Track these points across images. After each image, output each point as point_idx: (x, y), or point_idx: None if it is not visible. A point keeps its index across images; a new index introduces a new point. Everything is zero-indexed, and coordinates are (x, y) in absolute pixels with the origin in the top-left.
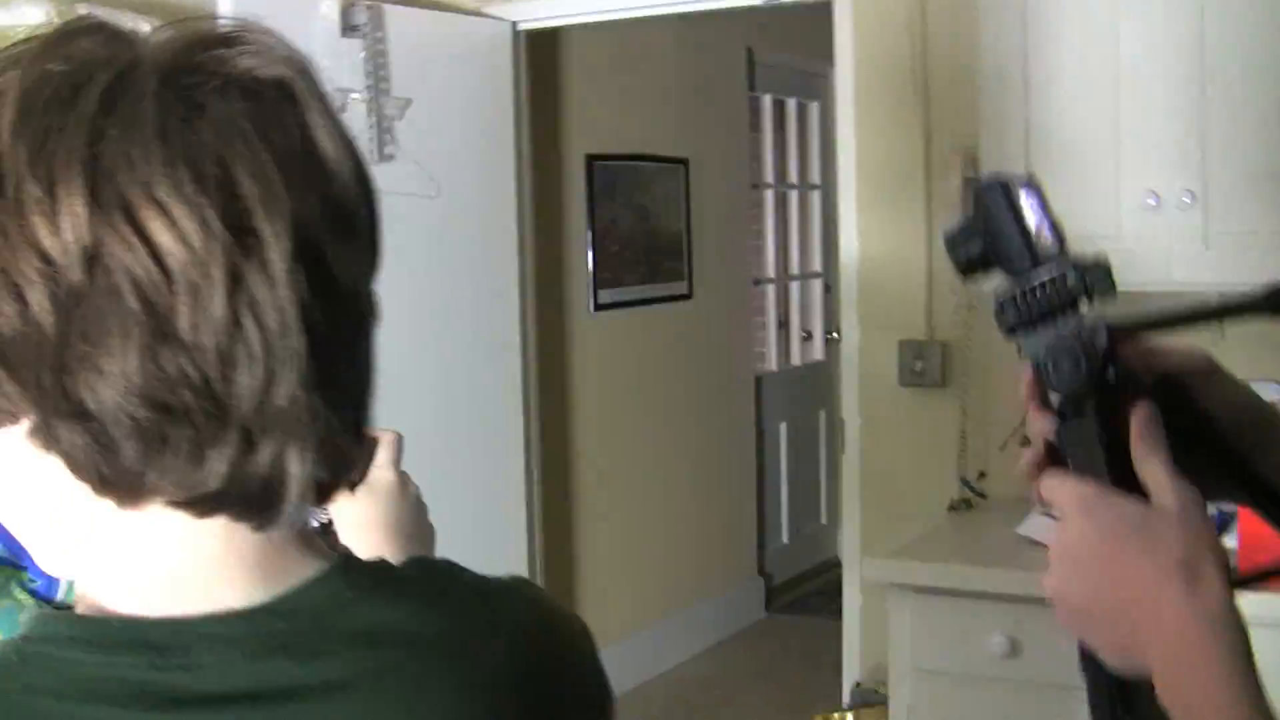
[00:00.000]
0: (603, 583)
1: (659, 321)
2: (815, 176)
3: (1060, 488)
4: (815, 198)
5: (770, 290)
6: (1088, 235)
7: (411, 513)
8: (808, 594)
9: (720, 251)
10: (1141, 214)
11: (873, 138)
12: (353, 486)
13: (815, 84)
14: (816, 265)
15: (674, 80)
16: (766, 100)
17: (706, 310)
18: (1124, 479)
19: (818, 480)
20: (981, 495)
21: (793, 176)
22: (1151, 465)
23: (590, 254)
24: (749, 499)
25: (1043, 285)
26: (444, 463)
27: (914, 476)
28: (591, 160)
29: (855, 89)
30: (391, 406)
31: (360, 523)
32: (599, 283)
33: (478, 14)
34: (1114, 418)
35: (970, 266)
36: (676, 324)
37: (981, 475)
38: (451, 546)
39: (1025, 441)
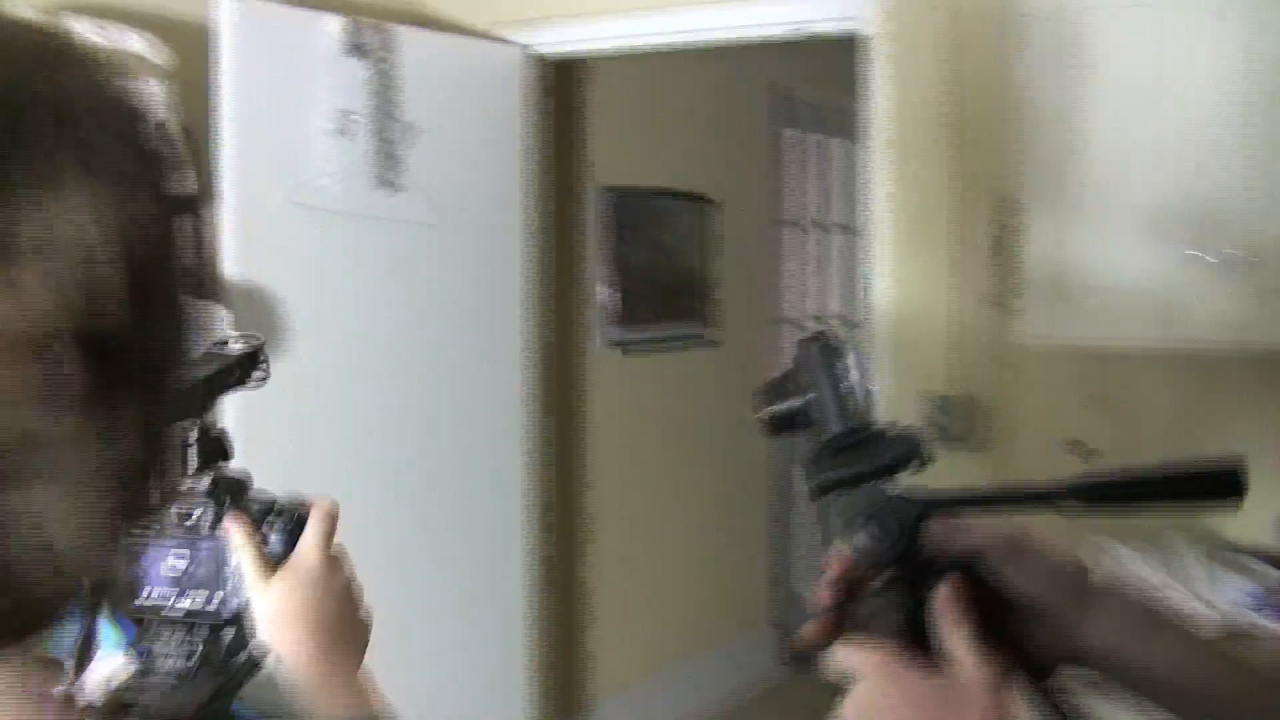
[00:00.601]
0: (616, 628)
1: (676, 362)
2: (837, 216)
3: (860, 651)
4: (835, 238)
5: (789, 331)
6: (1129, 288)
7: (337, 603)
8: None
9: (743, 290)
10: (1186, 268)
11: (903, 180)
12: None
13: (839, 120)
14: (837, 307)
15: (698, 114)
16: (790, 135)
17: (726, 350)
18: (924, 650)
19: None
20: None
21: (815, 215)
22: (955, 638)
23: (607, 290)
24: (764, 544)
25: (858, 451)
26: (443, 506)
27: None
28: (610, 193)
29: (887, 125)
30: (389, 446)
31: (274, 614)
32: (612, 319)
33: (490, 37)
34: (919, 589)
35: (782, 423)
36: (695, 364)
37: None
38: (453, 595)
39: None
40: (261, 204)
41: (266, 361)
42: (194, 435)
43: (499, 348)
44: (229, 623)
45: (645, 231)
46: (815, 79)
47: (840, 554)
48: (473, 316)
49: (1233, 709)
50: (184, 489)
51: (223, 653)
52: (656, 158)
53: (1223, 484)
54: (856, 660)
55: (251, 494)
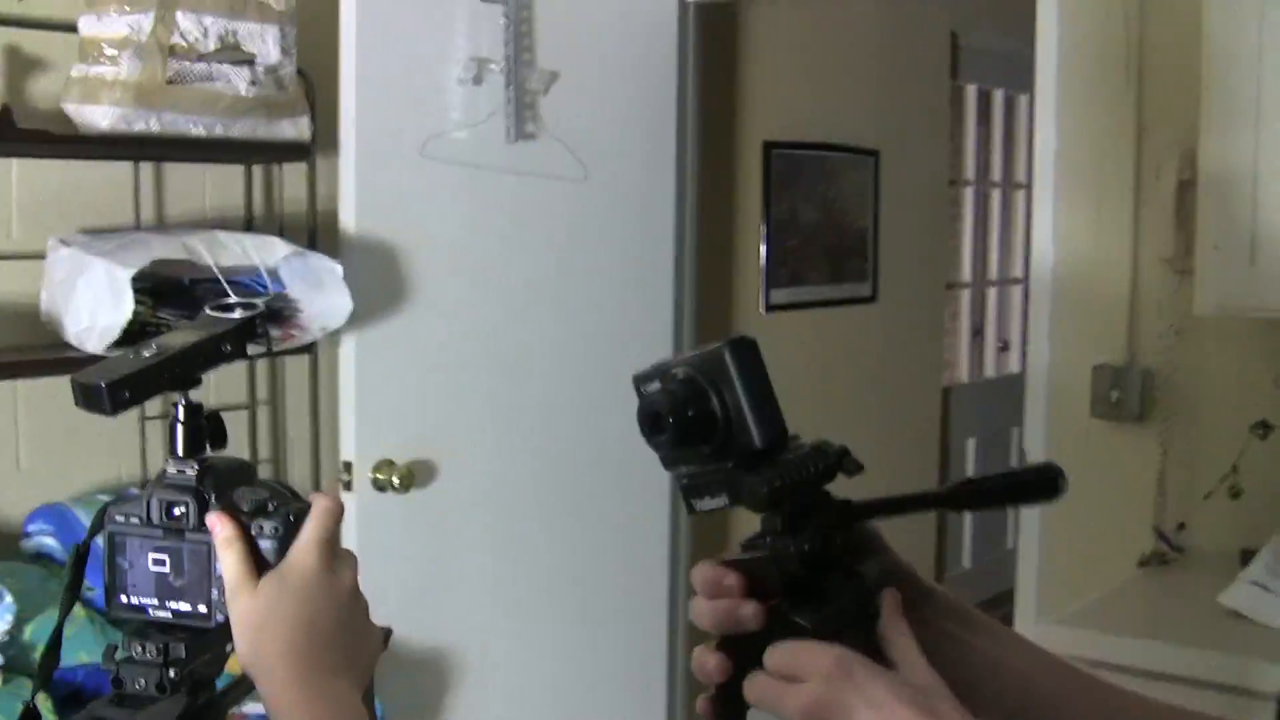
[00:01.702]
0: None
1: (839, 325)
2: (1021, 174)
3: (810, 650)
4: (1020, 198)
5: (965, 296)
6: None
7: (333, 615)
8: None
9: (911, 251)
10: None
11: (1077, 131)
12: None
13: (1026, 74)
14: (1018, 270)
15: (867, 63)
16: (971, 90)
17: (893, 314)
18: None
19: None
20: (1179, 550)
21: (996, 174)
22: (904, 642)
23: (764, 249)
24: (928, 519)
25: (806, 463)
26: (580, 476)
27: (1102, 522)
28: (770, 148)
29: (1059, 75)
30: (524, 414)
31: (254, 626)
32: (773, 281)
33: None
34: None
35: (694, 431)
36: (859, 328)
37: (1181, 527)
38: (594, 566)
39: (722, 644)
40: (387, 155)
41: (266, 334)
42: (180, 413)
43: (650, 311)
44: (213, 634)
45: (809, 189)
46: (997, 25)
47: (737, 580)
48: (621, 278)
49: (1054, 702)
50: (170, 476)
51: (201, 668)
52: (822, 111)
53: (1049, 484)
54: (806, 659)
55: (244, 488)
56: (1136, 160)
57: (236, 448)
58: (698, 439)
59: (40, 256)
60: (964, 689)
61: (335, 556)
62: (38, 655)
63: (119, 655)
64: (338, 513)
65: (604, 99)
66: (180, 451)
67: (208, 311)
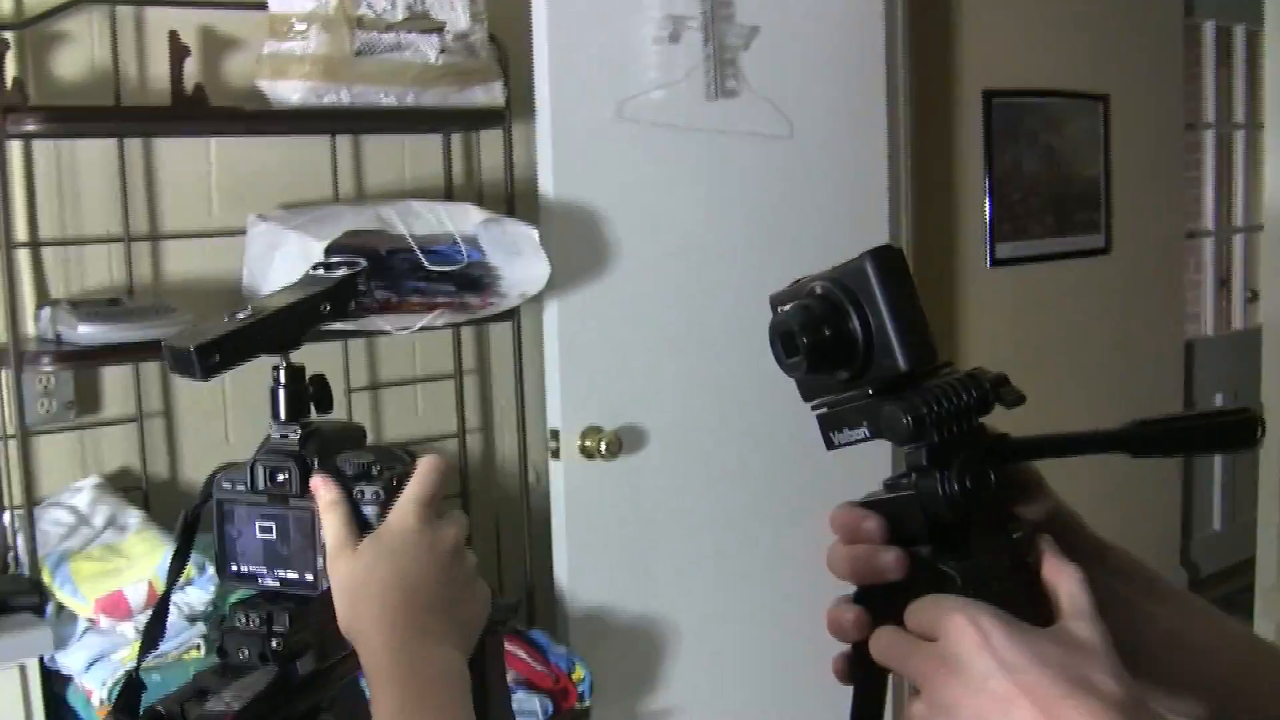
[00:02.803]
0: None
1: (1070, 279)
2: (1265, 115)
3: (942, 604)
4: (1266, 140)
5: (1208, 244)
6: None
7: (433, 572)
8: (1239, 589)
9: (1146, 200)
10: None
11: None
12: None
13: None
14: (1252, 216)
15: (1092, 3)
16: (1208, 27)
17: (1128, 266)
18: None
19: (1258, 462)
20: None
21: (1239, 116)
22: (1072, 588)
23: (988, 203)
24: (1174, 481)
25: (956, 389)
26: (786, 441)
27: None
28: (990, 96)
29: None
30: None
31: (355, 589)
32: (997, 235)
33: None
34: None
35: (831, 353)
36: (1091, 281)
37: None
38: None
39: (860, 596)
40: (584, 118)
41: (370, 290)
42: (282, 377)
43: None
44: (317, 603)
45: (1033, 138)
46: None
47: (877, 525)
48: (832, 238)
49: (1235, 681)
50: (274, 442)
51: (300, 638)
52: (1045, 55)
53: (1243, 429)
54: (937, 614)
55: (349, 453)
56: None
57: (444, 417)
58: (836, 361)
59: (241, 233)
60: (1134, 660)
61: (436, 516)
62: None
63: (225, 625)
64: (442, 471)
65: (808, 53)
66: (283, 416)
67: (310, 272)
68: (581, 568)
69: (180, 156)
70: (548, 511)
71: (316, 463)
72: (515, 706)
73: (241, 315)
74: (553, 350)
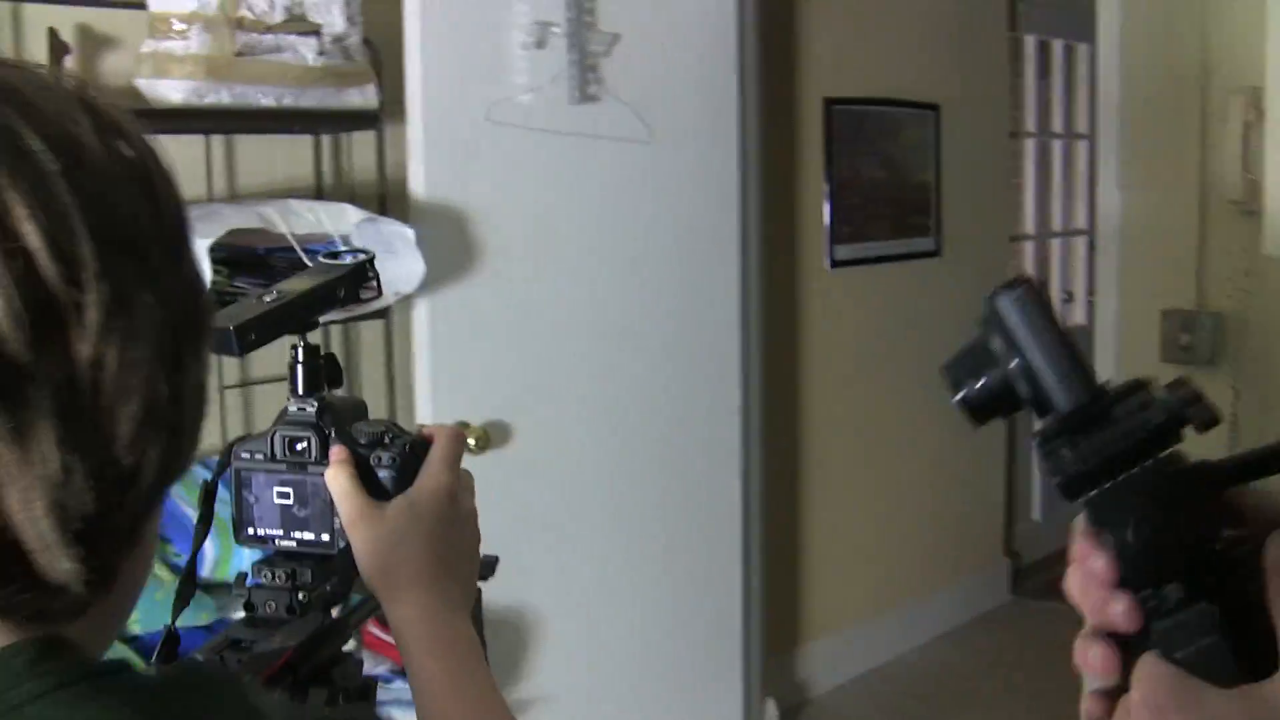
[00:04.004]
0: (833, 563)
1: (904, 280)
2: (1083, 125)
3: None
4: (1082, 149)
5: (1029, 248)
6: None
7: (460, 534)
8: (1060, 576)
9: (974, 205)
10: None
11: (1140, 77)
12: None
13: (1086, 24)
14: (1081, 222)
15: (926, 17)
16: (1030, 41)
17: (957, 268)
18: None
19: None
20: None
21: (1058, 125)
22: None
23: (828, 206)
24: (997, 473)
25: (1100, 426)
26: (651, 435)
27: None
28: (830, 104)
29: (1122, 22)
30: (592, 373)
31: (381, 549)
32: (837, 237)
33: None
34: (1221, 589)
35: (986, 405)
36: (923, 283)
37: None
38: (668, 524)
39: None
40: (454, 120)
41: (377, 278)
42: (300, 354)
43: (713, 268)
44: (335, 560)
45: (870, 144)
46: None
47: (1106, 565)
48: (686, 236)
49: None
50: (292, 414)
51: (327, 592)
52: (882, 66)
53: None
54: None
55: (361, 423)
56: (1202, 103)
57: None
58: (1004, 410)
59: None
60: None
61: (457, 481)
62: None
63: (250, 582)
64: (463, 439)
65: (666, 60)
66: (301, 390)
67: (321, 260)
68: None
69: None
70: None
71: (333, 432)
72: (391, 696)
73: (269, 299)
74: (423, 347)
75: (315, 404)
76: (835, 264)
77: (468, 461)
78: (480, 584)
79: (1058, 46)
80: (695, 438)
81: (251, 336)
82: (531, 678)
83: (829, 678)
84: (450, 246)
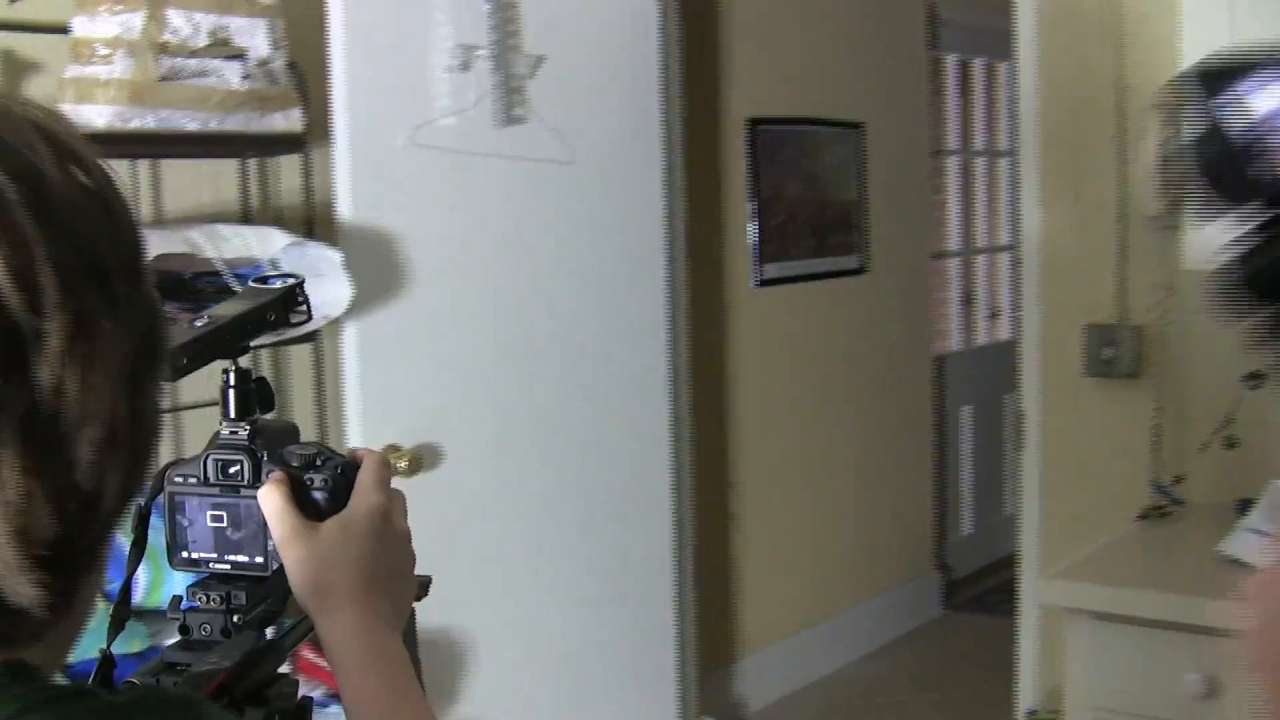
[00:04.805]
0: (766, 578)
1: (830, 298)
2: (1004, 143)
3: None
4: (1004, 166)
5: (954, 265)
6: None
7: (391, 553)
8: (990, 589)
9: (898, 223)
10: None
11: (1058, 95)
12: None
13: (1004, 43)
14: (1004, 238)
15: (847, 38)
16: (950, 61)
17: (882, 285)
18: None
19: (1004, 468)
20: (1178, 502)
21: (979, 143)
22: None
23: (753, 226)
24: (927, 488)
25: None
26: (581, 454)
27: (1100, 479)
28: (755, 124)
29: (1038, 40)
30: (522, 394)
31: (314, 571)
32: (763, 256)
33: None
34: None
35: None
36: (849, 300)
37: (1178, 480)
38: (599, 546)
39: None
40: (379, 144)
41: (306, 302)
42: (232, 378)
43: (640, 288)
44: (269, 582)
45: (794, 164)
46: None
47: None
48: (612, 257)
49: None
50: (224, 437)
51: (261, 613)
52: (804, 85)
53: None
54: None
55: (293, 445)
56: (1119, 120)
57: None
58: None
59: None
60: None
61: (390, 501)
62: None
63: (184, 605)
64: (388, 462)
65: (589, 82)
66: (233, 414)
67: (251, 284)
68: None
69: None
70: None
71: (265, 455)
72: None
73: (200, 324)
74: (353, 371)
75: (247, 428)
76: (762, 283)
77: (399, 484)
78: (415, 604)
79: (978, 65)
80: (625, 455)
81: (183, 360)
82: (466, 699)
83: (765, 693)
84: (378, 269)
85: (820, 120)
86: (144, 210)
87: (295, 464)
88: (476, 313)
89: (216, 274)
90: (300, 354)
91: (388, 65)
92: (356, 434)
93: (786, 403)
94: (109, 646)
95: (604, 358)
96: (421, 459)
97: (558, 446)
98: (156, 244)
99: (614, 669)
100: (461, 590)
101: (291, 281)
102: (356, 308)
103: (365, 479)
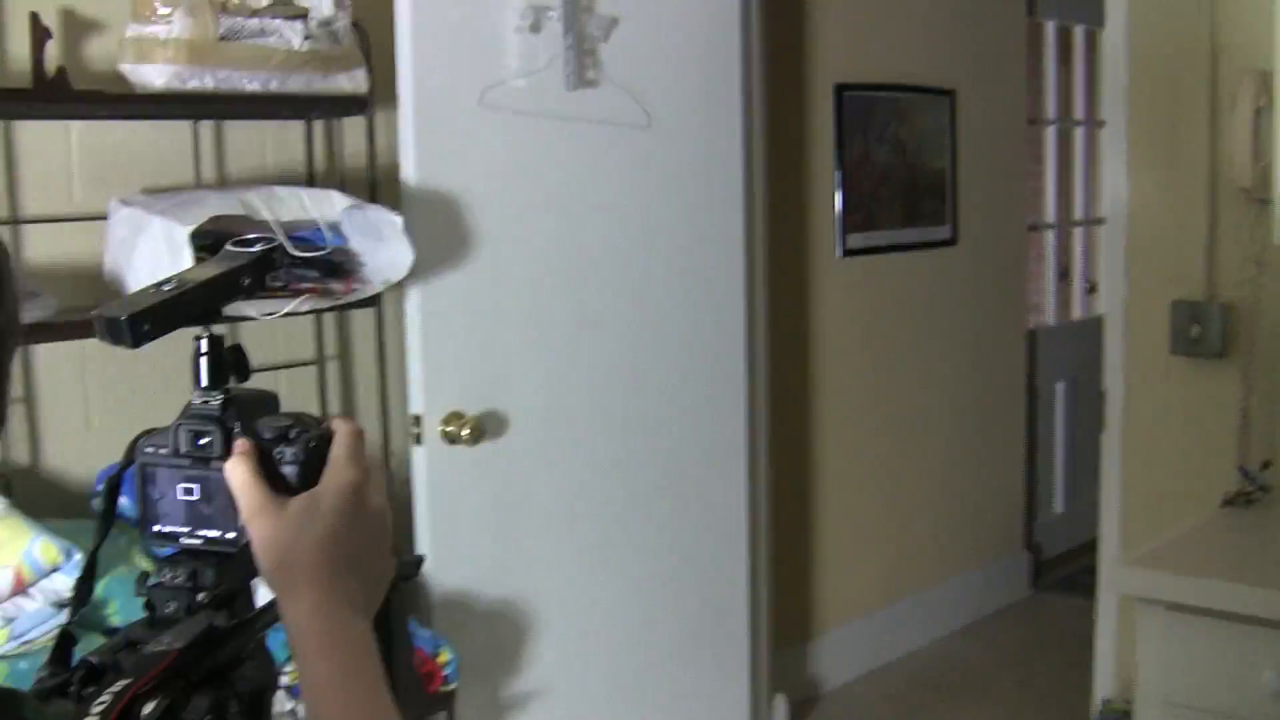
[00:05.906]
0: (845, 555)
1: (918, 269)
2: (1105, 113)
3: None
4: (1106, 137)
5: (1050, 236)
6: None
7: (362, 530)
8: (1081, 570)
9: (991, 193)
10: None
11: (1149, 63)
12: None
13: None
14: (1104, 211)
15: (939, 2)
16: (1050, 27)
17: (973, 257)
18: None
19: (1097, 446)
20: (1264, 489)
21: (1079, 112)
22: None
23: (838, 194)
24: (1017, 465)
25: None
26: (654, 425)
27: (1185, 462)
28: (841, 90)
29: (1128, 2)
30: (599, 362)
31: (286, 542)
32: (848, 226)
33: None
34: None
35: None
36: (938, 272)
37: (1266, 465)
38: (667, 515)
39: None
40: (446, 106)
41: (284, 265)
42: (203, 346)
43: (716, 256)
44: (238, 558)
45: (882, 130)
46: None
47: None
48: (687, 223)
49: None
50: (195, 407)
51: (227, 589)
52: (894, 50)
53: None
54: None
55: (267, 417)
56: (1211, 89)
57: (306, 403)
58: None
59: (102, 218)
60: None
61: (364, 477)
62: (109, 612)
63: (150, 581)
64: (362, 434)
65: (666, 44)
66: (204, 383)
67: (228, 247)
68: (445, 552)
69: (41, 139)
70: (409, 498)
71: (238, 427)
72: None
73: (167, 288)
74: (415, 336)
75: (220, 397)
76: (847, 253)
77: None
78: (404, 584)
79: (1079, 32)
80: (698, 427)
81: (146, 327)
82: (530, 669)
83: (840, 672)
84: (442, 233)
85: (910, 87)
86: (207, 172)
87: (268, 436)
88: (542, 278)
89: (274, 235)
90: (364, 318)
91: (455, 26)
92: (419, 399)
93: (871, 376)
94: (70, 622)
95: (677, 326)
96: (486, 426)
97: (628, 416)
98: (213, 205)
99: (683, 644)
100: (527, 560)
101: (266, 247)
102: (420, 272)
103: (338, 453)
